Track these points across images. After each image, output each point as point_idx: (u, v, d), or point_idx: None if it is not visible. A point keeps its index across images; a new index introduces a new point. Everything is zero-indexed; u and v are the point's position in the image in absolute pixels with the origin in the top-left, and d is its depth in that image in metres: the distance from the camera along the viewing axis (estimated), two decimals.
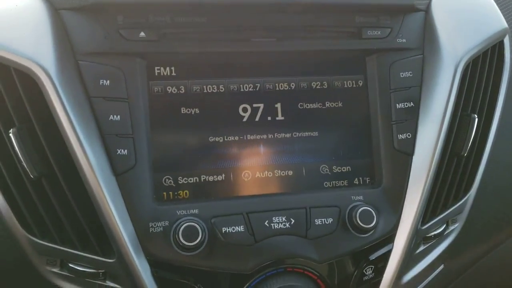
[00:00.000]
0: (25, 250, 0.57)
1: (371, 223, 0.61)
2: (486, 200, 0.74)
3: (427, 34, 0.69)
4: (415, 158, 0.66)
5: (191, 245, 0.56)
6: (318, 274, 0.61)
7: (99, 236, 0.57)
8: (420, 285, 0.70)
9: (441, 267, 0.72)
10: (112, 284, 0.58)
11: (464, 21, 0.71)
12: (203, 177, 0.61)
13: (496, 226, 0.78)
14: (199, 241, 0.56)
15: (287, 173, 0.64)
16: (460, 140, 0.67)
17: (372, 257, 0.63)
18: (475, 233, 0.75)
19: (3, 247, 0.59)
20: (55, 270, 0.58)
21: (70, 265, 0.58)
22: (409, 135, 0.66)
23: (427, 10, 0.69)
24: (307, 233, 0.60)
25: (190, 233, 0.56)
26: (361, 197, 0.63)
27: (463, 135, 0.67)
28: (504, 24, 0.74)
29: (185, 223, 0.56)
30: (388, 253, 0.64)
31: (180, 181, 0.61)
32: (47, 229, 0.57)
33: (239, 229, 0.59)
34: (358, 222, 0.61)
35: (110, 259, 0.57)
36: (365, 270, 0.63)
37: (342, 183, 0.65)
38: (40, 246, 0.57)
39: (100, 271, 0.58)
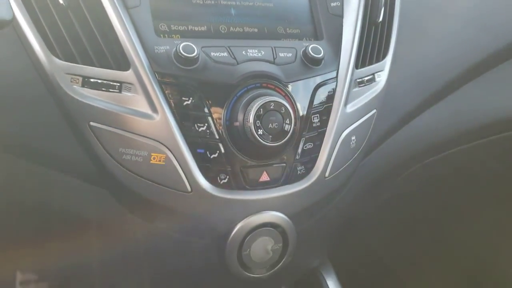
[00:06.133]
0: (52, 71, 0.70)
1: (320, 53, 0.82)
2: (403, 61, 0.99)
3: None
4: (345, 20, 0.90)
5: (190, 57, 0.72)
6: (285, 91, 0.80)
7: (115, 55, 0.71)
8: (360, 120, 0.90)
9: (374, 111, 0.94)
10: (127, 93, 0.72)
11: None
12: (190, 26, 0.79)
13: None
14: (195, 54, 0.73)
15: (253, 29, 0.84)
16: (374, 8, 0.93)
17: (322, 81, 0.84)
18: (400, 89, 0.99)
19: (33, 74, 0.71)
20: (76, 86, 0.71)
21: (91, 80, 0.71)
22: (338, 3, 0.90)
23: None
24: (275, 60, 0.80)
25: (188, 49, 0.72)
26: (310, 44, 0.85)
27: (377, 3, 0.93)
28: None
29: (183, 43, 0.73)
30: (334, 79, 0.85)
31: (173, 27, 0.78)
32: (70, 52, 0.70)
33: (224, 54, 0.77)
34: (310, 53, 0.82)
35: (125, 71, 0.71)
36: (318, 91, 0.83)
37: (295, 39, 0.87)
38: (64, 66, 0.69)
39: (116, 83, 0.72)
